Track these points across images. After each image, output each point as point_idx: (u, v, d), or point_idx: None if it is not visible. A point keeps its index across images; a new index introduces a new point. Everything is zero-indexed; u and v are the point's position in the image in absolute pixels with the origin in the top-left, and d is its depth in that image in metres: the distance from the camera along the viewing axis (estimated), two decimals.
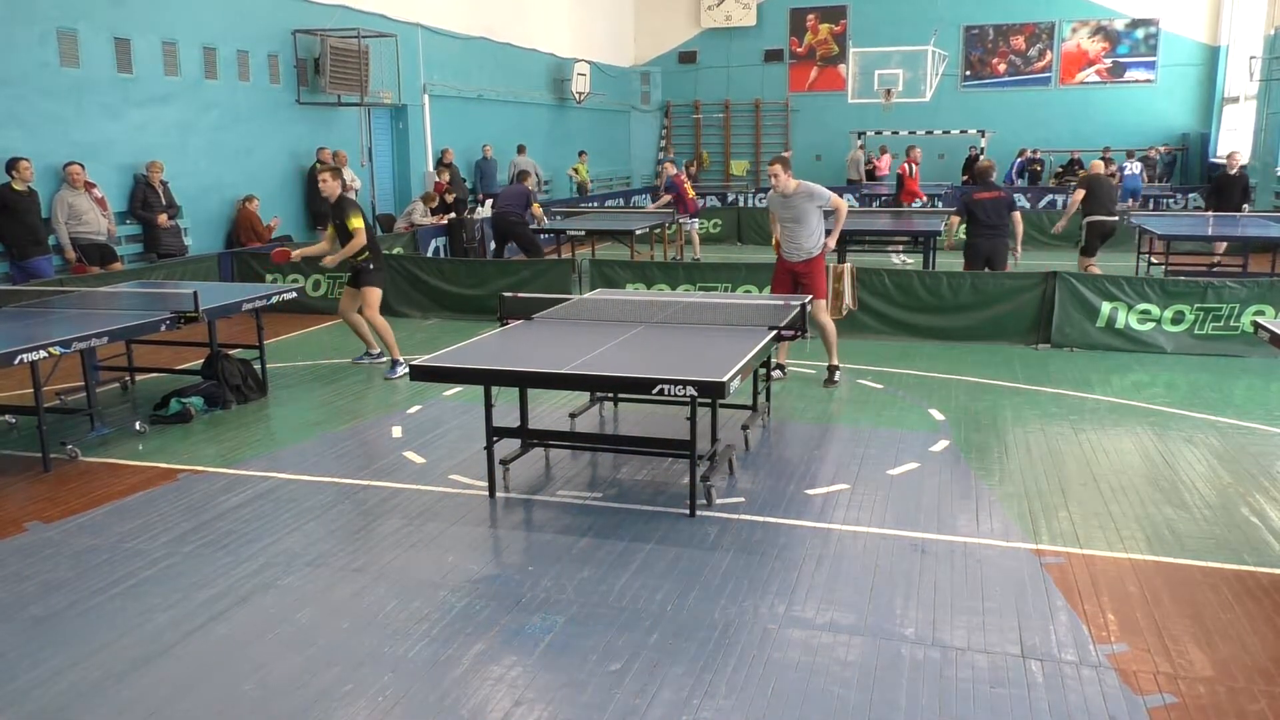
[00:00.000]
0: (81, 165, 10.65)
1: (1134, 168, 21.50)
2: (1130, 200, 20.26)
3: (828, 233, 8.16)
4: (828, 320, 8.16)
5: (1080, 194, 12.46)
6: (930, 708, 3.58)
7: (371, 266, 8.70)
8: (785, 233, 8.04)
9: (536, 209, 13.98)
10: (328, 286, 11.83)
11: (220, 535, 5.20)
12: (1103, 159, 17.64)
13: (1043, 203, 21.49)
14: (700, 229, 19.47)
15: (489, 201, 17.12)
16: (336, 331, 10.53)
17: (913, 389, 8.12)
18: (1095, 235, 12.37)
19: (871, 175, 24.47)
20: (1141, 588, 4.54)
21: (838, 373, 8.19)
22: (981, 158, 21.86)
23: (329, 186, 8.54)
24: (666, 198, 16.69)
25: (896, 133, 25.70)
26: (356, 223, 8.50)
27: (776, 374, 8.30)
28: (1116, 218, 12.55)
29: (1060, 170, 24.72)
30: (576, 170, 22.83)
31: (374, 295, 8.71)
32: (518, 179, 14.44)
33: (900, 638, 4.07)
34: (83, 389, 7.22)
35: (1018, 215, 10.23)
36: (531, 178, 15.00)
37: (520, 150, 20.07)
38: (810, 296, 7.50)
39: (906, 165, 16.72)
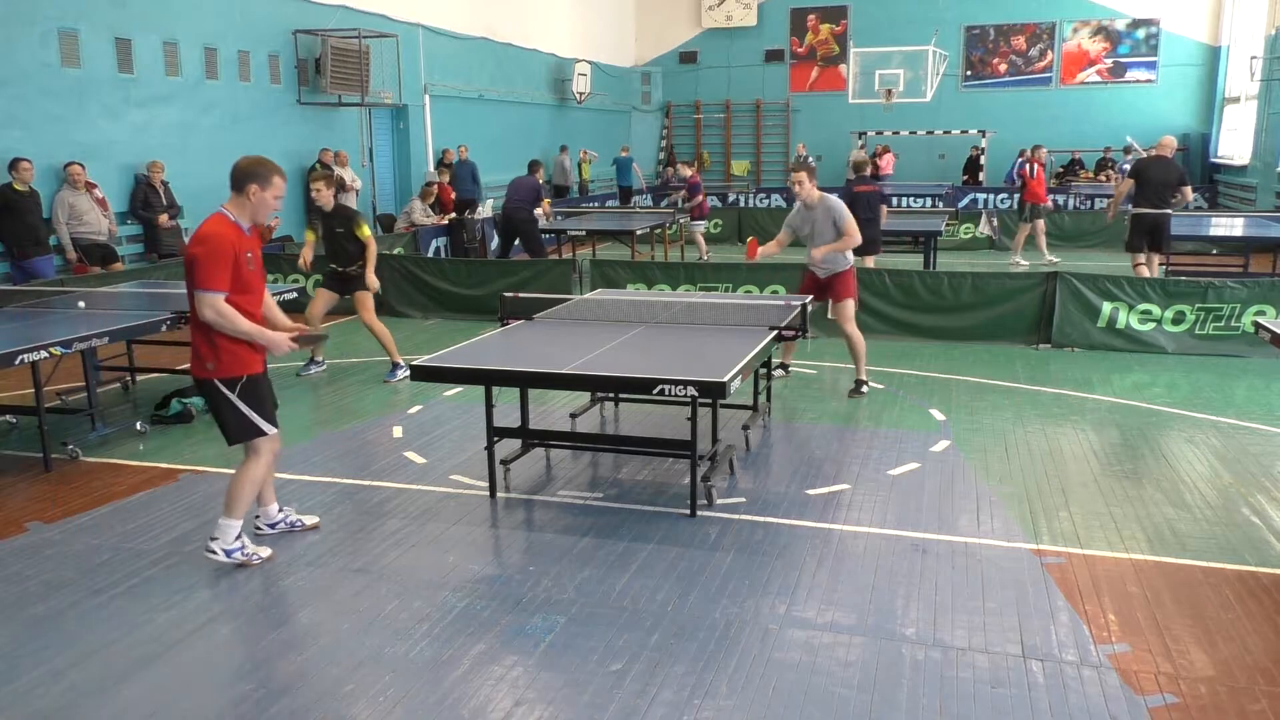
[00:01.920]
0: (82, 165, 10.66)
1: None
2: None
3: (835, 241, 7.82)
4: (854, 331, 7.86)
5: (1128, 183, 11.58)
6: (931, 708, 3.58)
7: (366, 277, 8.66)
8: (806, 245, 7.84)
9: (546, 205, 13.69)
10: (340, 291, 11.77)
11: None
12: (1104, 158, 17.05)
13: None
14: (701, 230, 19.50)
15: (489, 203, 17.10)
16: (337, 331, 10.53)
17: (914, 389, 8.12)
18: (1137, 230, 11.50)
19: (875, 175, 24.48)
20: (1142, 588, 4.54)
21: (865, 386, 7.90)
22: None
23: (324, 196, 8.21)
24: (699, 198, 16.56)
25: (898, 133, 25.72)
26: (368, 231, 8.45)
27: (779, 373, 8.28)
28: (1165, 211, 11.37)
29: (1061, 170, 24.71)
30: (581, 165, 22.94)
31: (369, 299, 8.62)
32: (529, 169, 13.92)
33: (901, 638, 4.07)
34: (84, 389, 7.23)
35: (884, 208, 11.61)
36: (542, 169, 14.37)
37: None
38: (810, 297, 7.46)
39: (1029, 166, 16.24)
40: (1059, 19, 25.71)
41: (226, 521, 4.76)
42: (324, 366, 9.08)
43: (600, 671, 3.83)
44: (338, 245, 8.50)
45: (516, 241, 13.75)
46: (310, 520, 5.29)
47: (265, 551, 4.93)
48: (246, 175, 4.55)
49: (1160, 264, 12.42)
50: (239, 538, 4.79)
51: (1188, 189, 11.73)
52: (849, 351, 7.95)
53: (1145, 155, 13.11)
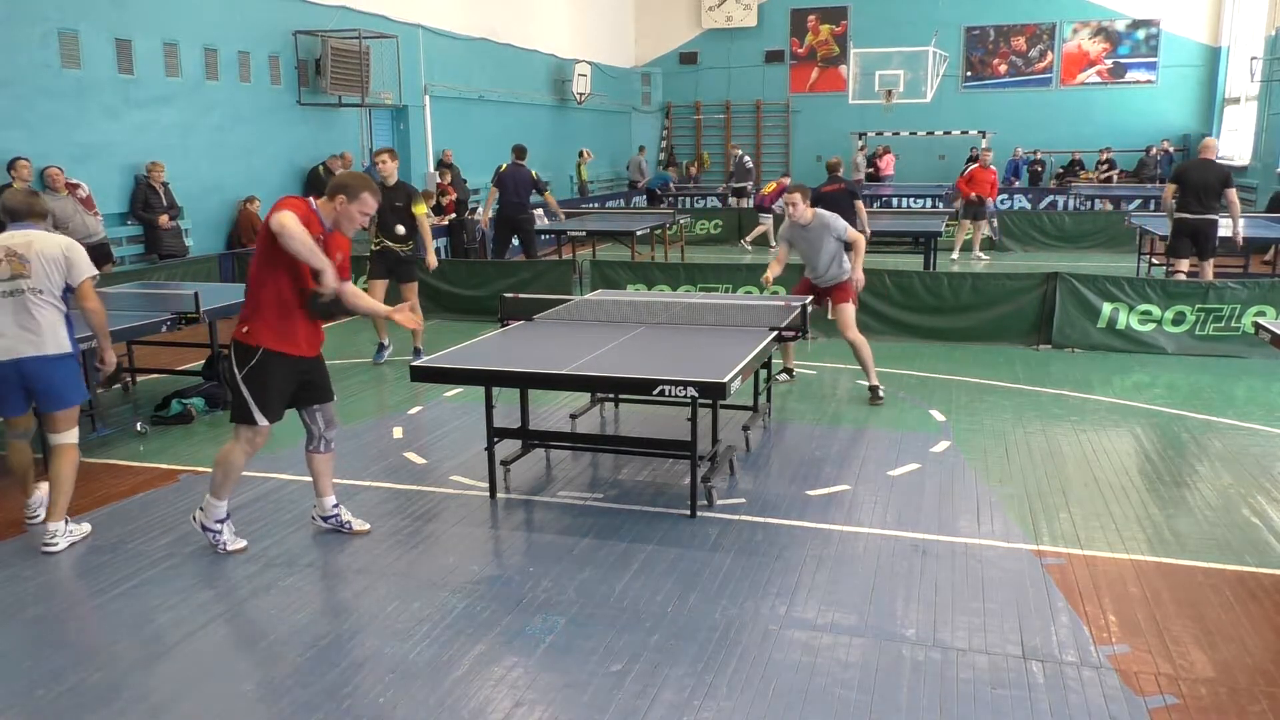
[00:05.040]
0: (60, 169, 10.48)
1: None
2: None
3: (853, 264, 7.87)
4: (857, 336, 7.79)
5: (1170, 189, 10.97)
6: (931, 709, 3.58)
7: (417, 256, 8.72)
8: (806, 262, 7.87)
9: (550, 199, 12.93)
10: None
11: None
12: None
13: (1044, 203, 21.50)
14: (702, 229, 19.51)
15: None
16: (338, 332, 10.53)
17: (914, 390, 8.12)
18: (1177, 234, 10.95)
19: (874, 175, 24.50)
20: (1143, 588, 4.54)
21: (881, 390, 7.78)
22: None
23: (388, 168, 8.43)
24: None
25: (897, 133, 25.71)
26: (424, 208, 8.50)
27: (783, 377, 8.26)
28: (1209, 216, 10.74)
29: (1061, 171, 24.72)
30: (581, 166, 22.88)
31: (414, 291, 8.77)
32: (518, 155, 12.85)
33: (901, 639, 4.07)
34: None
35: (860, 204, 11.80)
36: (527, 154, 13.08)
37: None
38: (810, 298, 7.45)
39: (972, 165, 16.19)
40: (1059, 20, 25.71)
41: (210, 500, 4.96)
42: (390, 349, 9.13)
43: (600, 672, 3.83)
44: (394, 221, 8.48)
45: (515, 241, 13.43)
46: (360, 525, 5.25)
47: (238, 543, 5.00)
48: (339, 187, 4.72)
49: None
50: (220, 521, 4.97)
51: (1232, 191, 10.97)
52: (856, 359, 7.85)
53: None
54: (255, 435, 4.88)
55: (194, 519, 5.05)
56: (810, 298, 7.43)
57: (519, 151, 12.90)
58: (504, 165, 12.73)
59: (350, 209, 4.71)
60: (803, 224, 7.67)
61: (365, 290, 8.95)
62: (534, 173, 12.71)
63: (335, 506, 5.22)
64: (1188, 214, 10.81)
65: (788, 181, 7.91)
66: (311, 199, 4.80)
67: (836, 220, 7.73)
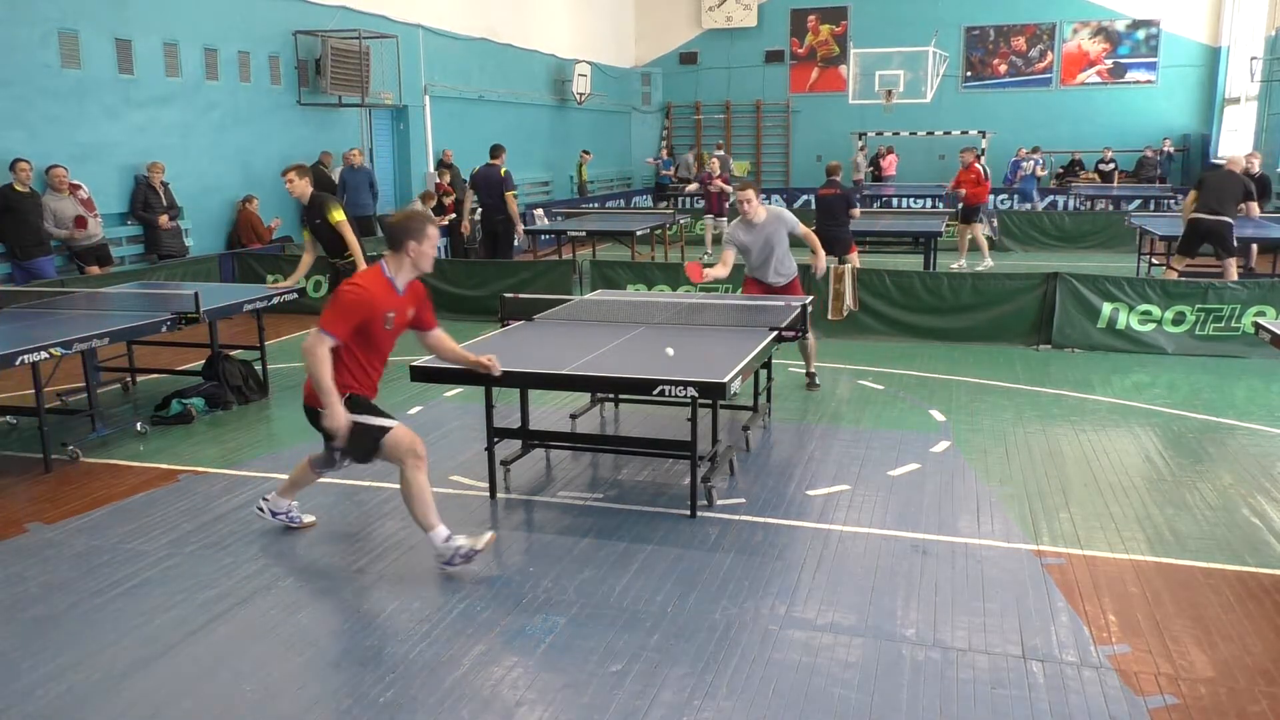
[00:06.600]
0: (65, 169, 10.54)
1: (1029, 166, 20.97)
2: (1025, 204, 19.97)
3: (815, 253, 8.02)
4: (810, 336, 7.82)
5: (1191, 195, 11.27)
6: (931, 709, 3.58)
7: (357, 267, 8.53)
8: (756, 263, 7.60)
9: (512, 203, 12.79)
10: (330, 287, 11.80)
11: (221, 536, 5.20)
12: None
13: (1044, 204, 21.51)
14: (702, 229, 19.51)
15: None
16: None
17: (914, 390, 8.12)
18: (1188, 234, 11.21)
19: (878, 176, 24.50)
20: (1142, 588, 4.54)
21: (816, 378, 8.17)
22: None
23: (297, 187, 7.93)
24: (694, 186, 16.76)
25: (897, 133, 25.69)
26: (339, 214, 7.96)
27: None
28: (1223, 219, 10.88)
29: (1061, 171, 24.71)
30: (581, 166, 22.87)
31: None
32: (493, 155, 12.88)
33: (901, 639, 4.07)
34: (84, 390, 7.22)
35: (856, 211, 11.71)
36: (505, 154, 12.96)
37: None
38: (811, 298, 7.46)
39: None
40: (1059, 20, 25.69)
41: (432, 535, 4.69)
42: None
43: (600, 672, 3.83)
44: (323, 237, 8.20)
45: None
46: (308, 519, 5.32)
47: (486, 535, 4.78)
48: (404, 232, 4.64)
49: (1240, 267, 11.70)
50: (449, 539, 4.69)
51: (1254, 205, 11.48)
52: (800, 350, 8.09)
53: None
54: (400, 436, 4.67)
55: (450, 565, 4.71)
56: (811, 297, 7.44)
57: (493, 151, 13.06)
58: (477, 167, 12.84)
59: (423, 249, 4.65)
60: (757, 222, 7.49)
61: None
62: (503, 170, 12.87)
63: (290, 504, 5.29)
64: (1204, 214, 10.98)
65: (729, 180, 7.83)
66: (384, 263, 4.68)
67: (788, 214, 7.70)
